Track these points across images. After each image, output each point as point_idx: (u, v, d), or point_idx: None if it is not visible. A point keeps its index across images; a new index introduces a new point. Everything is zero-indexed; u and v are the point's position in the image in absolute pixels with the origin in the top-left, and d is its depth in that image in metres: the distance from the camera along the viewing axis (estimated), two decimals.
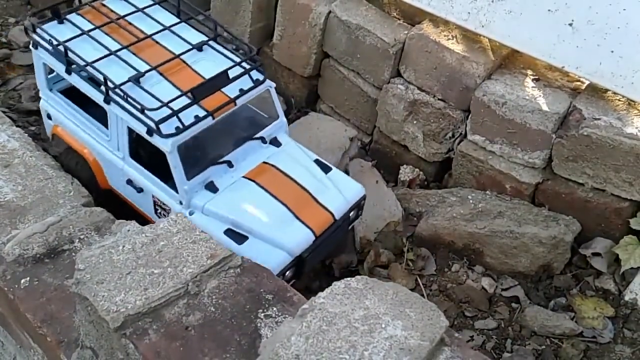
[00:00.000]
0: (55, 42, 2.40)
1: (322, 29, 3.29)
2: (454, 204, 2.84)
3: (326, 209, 2.35)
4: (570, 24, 2.59)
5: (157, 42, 2.52)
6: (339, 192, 2.42)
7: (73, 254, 1.72)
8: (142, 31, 2.54)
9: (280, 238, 2.24)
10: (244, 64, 2.46)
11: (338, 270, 2.68)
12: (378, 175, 3.04)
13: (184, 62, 2.45)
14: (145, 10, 2.64)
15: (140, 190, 2.43)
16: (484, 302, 2.61)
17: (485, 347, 2.48)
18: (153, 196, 2.41)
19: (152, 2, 2.70)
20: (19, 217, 1.81)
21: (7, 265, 1.69)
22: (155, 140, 2.22)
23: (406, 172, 3.16)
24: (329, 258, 2.61)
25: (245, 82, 2.42)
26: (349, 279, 1.29)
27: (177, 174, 2.25)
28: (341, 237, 2.53)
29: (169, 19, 2.64)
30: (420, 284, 2.63)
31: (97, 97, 2.36)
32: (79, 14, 2.58)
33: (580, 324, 2.52)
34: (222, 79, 2.37)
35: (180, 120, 2.21)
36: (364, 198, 2.50)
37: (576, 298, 2.61)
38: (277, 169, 2.43)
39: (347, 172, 2.99)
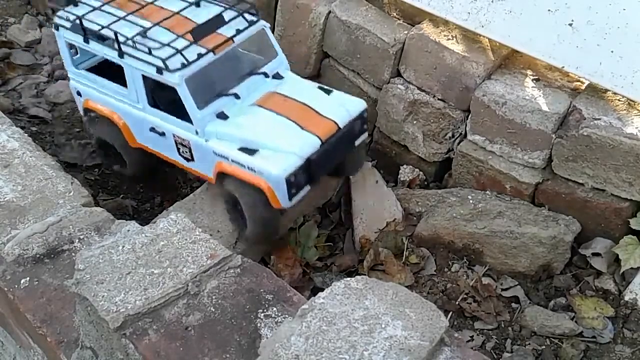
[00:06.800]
0: (72, 18, 2.68)
1: (322, 29, 3.29)
2: (454, 204, 2.84)
3: (329, 119, 2.58)
4: (570, 24, 2.59)
5: (160, 7, 2.76)
6: (340, 105, 2.65)
7: (73, 254, 1.72)
8: (147, 2, 2.80)
9: (288, 145, 2.46)
10: (237, 7, 2.73)
11: (338, 272, 2.68)
12: (378, 176, 3.04)
13: (184, 16, 2.70)
14: None
15: (162, 134, 2.69)
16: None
17: (485, 347, 2.48)
18: (174, 136, 2.65)
19: None
20: (19, 217, 1.81)
21: (7, 265, 1.69)
22: (166, 77, 2.46)
23: (406, 172, 3.16)
24: (339, 168, 2.83)
25: (240, 24, 2.67)
26: (348, 279, 1.28)
27: (189, 105, 2.50)
28: (350, 148, 2.73)
29: None
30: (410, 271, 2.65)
31: (112, 54, 2.60)
32: None
33: (580, 324, 2.52)
34: (217, 21, 2.62)
35: (184, 57, 2.47)
36: (366, 110, 2.72)
37: (576, 298, 2.61)
38: (281, 94, 2.67)
39: None
